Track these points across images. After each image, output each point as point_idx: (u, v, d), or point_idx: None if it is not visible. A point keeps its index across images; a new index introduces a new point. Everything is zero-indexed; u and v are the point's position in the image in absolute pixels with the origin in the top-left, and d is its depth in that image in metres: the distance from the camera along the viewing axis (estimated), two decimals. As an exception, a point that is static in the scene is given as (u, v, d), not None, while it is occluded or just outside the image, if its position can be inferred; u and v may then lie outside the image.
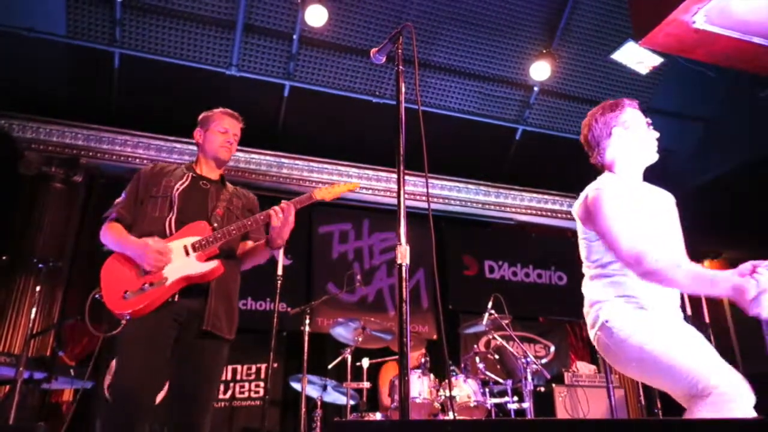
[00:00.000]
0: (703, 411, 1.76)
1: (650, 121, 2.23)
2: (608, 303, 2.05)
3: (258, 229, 2.58)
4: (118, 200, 2.51)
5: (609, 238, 2.02)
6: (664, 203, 2.22)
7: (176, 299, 2.26)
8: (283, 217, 2.39)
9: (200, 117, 2.70)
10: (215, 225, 2.40)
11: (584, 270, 2.21)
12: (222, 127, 2.60)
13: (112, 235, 2.38)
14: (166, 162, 2.67)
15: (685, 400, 1.85)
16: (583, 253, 2.21)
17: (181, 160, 5.76)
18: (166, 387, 2.34)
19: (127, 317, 2.17)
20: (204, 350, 2.30)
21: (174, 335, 2.26)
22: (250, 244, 2.59)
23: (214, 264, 2.29)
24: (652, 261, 1.89)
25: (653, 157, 2.22)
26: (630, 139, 2.18)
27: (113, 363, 5.14)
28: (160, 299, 2.22)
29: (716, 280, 1.84)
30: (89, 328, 2.33)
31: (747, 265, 1.85)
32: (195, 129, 2.67)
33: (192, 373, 2.27)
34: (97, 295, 2.24)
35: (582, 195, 2.17)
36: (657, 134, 2.21)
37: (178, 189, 2.45)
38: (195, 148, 2.67)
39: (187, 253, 2.30)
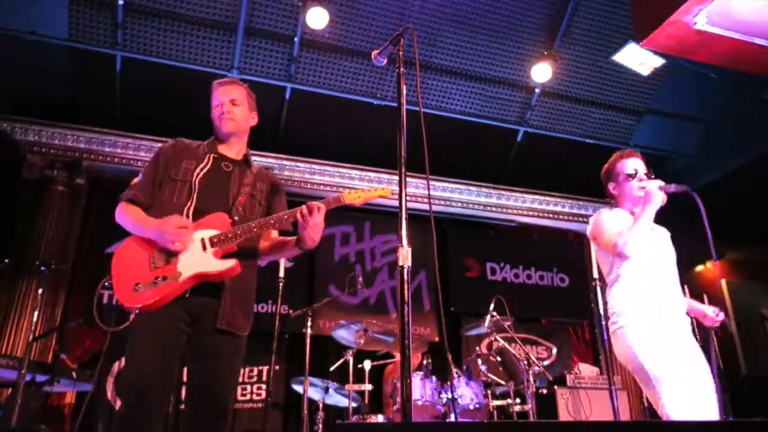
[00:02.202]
0: None
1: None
2: (623, 315, 2.56)
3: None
4: (135, 180, 2.37)
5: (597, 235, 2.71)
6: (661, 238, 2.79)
7: (188, 296, 2.14)
8: (312, 220, 2.25)
9: None
10: (236, 218, 2.27)
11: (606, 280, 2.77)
12: (216, 101, 2.48)
13: (128, 216, 2.24)
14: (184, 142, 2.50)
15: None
16: (601, 265, 2.82)
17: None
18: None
19: (136, 311, 2.06)
20: (221, 346, 2.18)
21: (186, 332, 2.15)
22: (275, 234, 2.45)
23: (231, 263, 2.17)
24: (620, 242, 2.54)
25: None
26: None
27: (116, 365, 5.16)
28: (172, 294, 2.09)
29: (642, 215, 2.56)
30: (97, 322, 2.16)
31: None
32: None
33: (209, 371, 2.16)
34: (107, 283, 2.11)
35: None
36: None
37: (198, 174, 2.31)
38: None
39: (204, 248, 2.17)
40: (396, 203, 1.85)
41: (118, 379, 2.13)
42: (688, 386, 2.35)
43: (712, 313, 2.81)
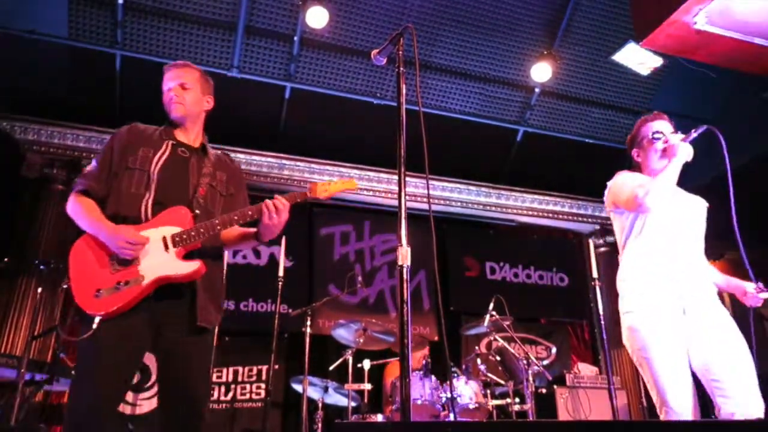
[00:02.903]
0: None
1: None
2: (625, 298, 2.45)
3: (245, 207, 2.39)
4: (88, 168, 2.25)
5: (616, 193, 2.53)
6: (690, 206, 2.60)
7: (153, 297, 2.06)
8: (276, 217, 2.20)
9: None
10: (197, 212, 2.19)
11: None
12: (165, 85, 2.40)
13: (82, 211, 2.13)
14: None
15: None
16: (617, 237, 2.61)
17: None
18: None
19: (99, 318, 1.97)
20: (191, 349, 2.13)
21: (151, 336, 2.08)
22: (237, 228, 2.37)
23: (195, 265, 2.10)
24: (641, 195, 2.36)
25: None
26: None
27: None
28: (136, 300, 2.01)
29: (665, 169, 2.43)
30: (62, 336, 2.14)
31: None
32: None
33: (183, 376, 2.10)
34: (65, 285, 2.04)
35: None
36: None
37: (157, 163, 2.22)
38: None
39: (167, 248, 2.09)
40: (395, 203, 1.86)
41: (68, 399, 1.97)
42: (685, 383, 2.27)
43: (753, 290, 2.46)
